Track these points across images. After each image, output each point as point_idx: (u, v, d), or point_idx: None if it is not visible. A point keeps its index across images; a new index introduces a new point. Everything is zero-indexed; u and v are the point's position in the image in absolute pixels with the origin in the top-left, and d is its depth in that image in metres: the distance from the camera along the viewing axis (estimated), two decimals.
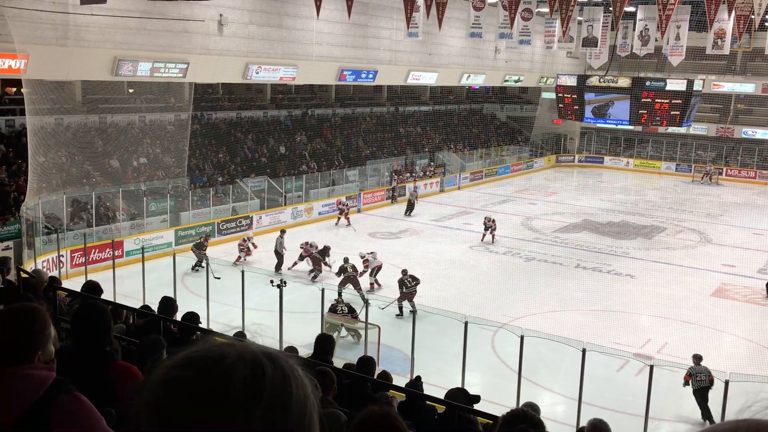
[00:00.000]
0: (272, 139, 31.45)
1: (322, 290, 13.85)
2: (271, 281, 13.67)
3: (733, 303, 18.94)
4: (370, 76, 30.54)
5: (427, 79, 34.81)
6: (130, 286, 16.51)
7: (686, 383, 11.90)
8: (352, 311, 14.64)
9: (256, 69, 24.84)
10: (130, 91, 26.76)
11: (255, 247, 21.39)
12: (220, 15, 23.17)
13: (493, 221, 24.65)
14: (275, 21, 25.49)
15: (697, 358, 12.04)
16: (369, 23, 29.80)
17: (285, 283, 13.58)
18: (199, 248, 19.59)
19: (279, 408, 0.83)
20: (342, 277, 17.66)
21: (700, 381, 11.75)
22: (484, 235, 24.43)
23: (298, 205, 27.02)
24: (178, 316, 7.65)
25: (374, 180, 31.80)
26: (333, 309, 14.72)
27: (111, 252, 18.74)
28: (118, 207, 21.97)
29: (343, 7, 22.40)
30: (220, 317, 14.79)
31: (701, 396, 11.75)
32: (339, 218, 26.84)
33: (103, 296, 7.63)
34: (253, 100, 33.38)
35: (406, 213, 28.89)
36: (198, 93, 27.50)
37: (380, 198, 30.84)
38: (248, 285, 14.66)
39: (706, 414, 11.74)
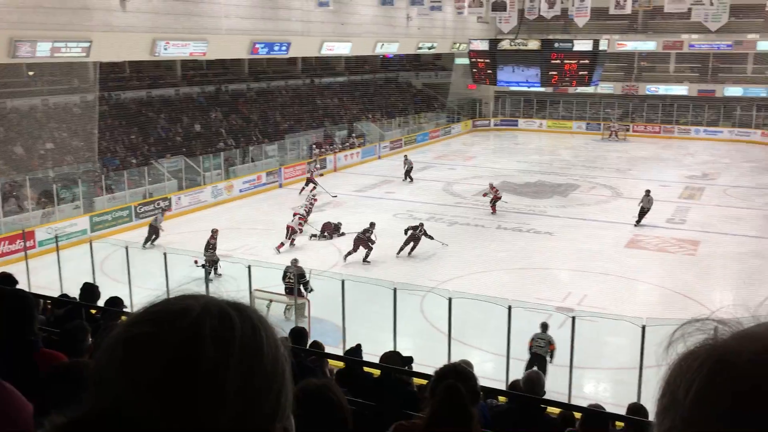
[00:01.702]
0: (186, 117, 30.59)
1: (249, 267, 13.70)
2: (196, 261, 13.43)
3: (645, 252, 19.90)
4: (283, 48, 30.05)
5: (341, 49, 34.55)
6: (45, 278, 15.84)
7: (530, 348, 11.89)
8: (304, 284, 14.62)
9: (164, 45, 24.00)
10: (30, 73, 25.41)
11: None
12: None
13: (495, 189, 24.23)
14: None
15: (543, 326, 12.09)
16: None
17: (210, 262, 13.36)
18: (207, 249, 17.42)
19: (251, 360, 0.77)
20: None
21: (538, 347, 11.88)
22: (493, 206, 23.99)
23: (217, 183, 26.48)
24: (101, 303, 7.42)
25: (294, 154, 31.48)
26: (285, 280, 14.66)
27: (22, 243, 17.91)
28: (26, 196, 20.97)
29: None
30: (144, 301, 14.40)
31: (537, 363, 11.74)
32: (304, 188, 26.87)
33: (17, 288, 7.31)
34: (163, 77, 32.29)
35: (405, 179, 29.41)
36: (103, 72, 26.38)
37: (301, 172, 30.57)
38: (171, 267, 14.33)
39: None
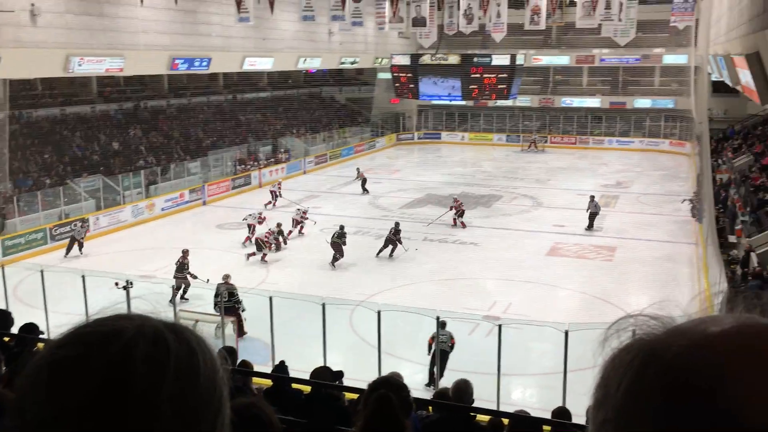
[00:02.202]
0: (103, 135, 29.68)
1: (172, 287, 13.39)
2: (116, 283, 12.98)
3: (566, 260, 20.53)
4: (204, 64, 29.62)
5: (264, 64, 34.35)
6: None
7: (429, 346, 12.21)
8: (237, 303, 14.37)
9: (78, 61, 23.25)
10: None
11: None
12: (32, 4, 21.38)
13: (459, 202, 24.70)
14: (95, 9, 23.94)
15: (442, 324, 12.09)
16: (198, 9, 28.83)
17: (131, 284, 12.97)
18: (181, 270, 17.09)
19: (186, 385, 0.74)
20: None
21: (442, 343, 12.09)
22: (454, 220, 24.24)
23: (138, 202, 25.75)
24: (15, 330, 7.09)
25: (218, 171, 30.99)
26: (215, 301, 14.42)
27: None
28: None
29: None
30: (64, 328, 13.83)
31: (441, 358, 12.11)
32: (272, 202, 27.33)
33: None
34: (77, 94, 31.26)
35: (363, 192, 30.12)
36: (14, 90, 25.28)
37: (225, 189, 30.14)
38: (91, 290, 13.83)
39: (439, 373, 12.03)
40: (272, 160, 34.67)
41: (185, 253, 17.45)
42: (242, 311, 14.54)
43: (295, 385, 6.14)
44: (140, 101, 33.36)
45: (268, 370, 10.72)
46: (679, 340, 0.64)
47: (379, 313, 11.74)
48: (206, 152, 31.74)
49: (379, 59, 42.90)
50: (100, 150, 28.56)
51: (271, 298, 12.65)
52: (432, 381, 12.18)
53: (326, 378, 5.66)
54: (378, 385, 2.89)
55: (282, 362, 7.28)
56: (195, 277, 16.74)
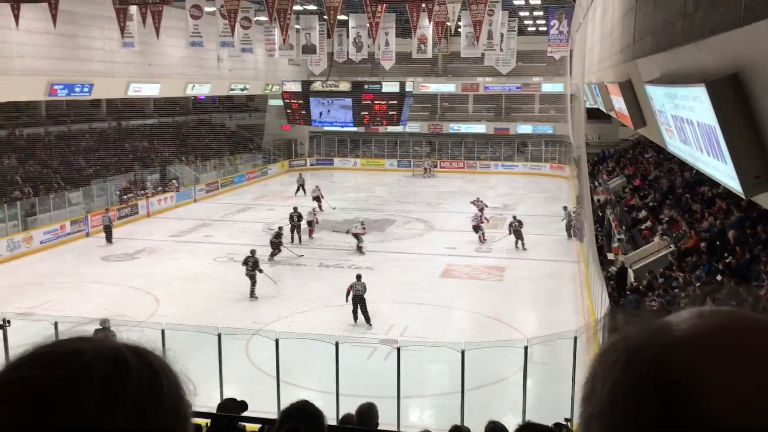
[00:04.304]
0: None
1: (55, 324, 12.64)
2: None
3: (458, 281, 21.08)
4: (86, 89, 28.46)
5: (150, 90, 33.42)
6: None
7: (348, 293, 16.76)
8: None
9: None
10: None
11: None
12: None
13: (481, 202, 27.78)
14: None
15: (358, 277, 16.94)
16: (78, 33, 27.75)
17: (9, 322, 12.18)
18: (254, 268, 19.54)
19: (147, 409, 0.71)
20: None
21: (358, 290, 16.57)
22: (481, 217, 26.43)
23: (14, 235, 24.22)
24: None
25: (102, 200, 29.67)
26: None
27: None
28: None
29: (47, 17, 20.63)
30: None
31: (360, 302, 16.61)
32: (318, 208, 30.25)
33: None
34: None
35: (297, 192, 34.93)
36: None
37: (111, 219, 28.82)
38: None
39: (364, 314, 16.68)
40: (160, 188, 33.63)
41: (253, 252, 19.73)
42: None
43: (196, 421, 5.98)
44: (15, 128, 31.57)
45: None
46: (661, 340, 0.66)
47: (277, 341, 11.61)
48: (89, 181, 30.35)
49: (270, 86, 42.73)
50: None
51: (163, 331, 12.20)
52: (355, 318, 16.67)
53: (234, 410, 5.55)
54: (291, 414, 2.88)
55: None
56: (261, 271, 19.28)
